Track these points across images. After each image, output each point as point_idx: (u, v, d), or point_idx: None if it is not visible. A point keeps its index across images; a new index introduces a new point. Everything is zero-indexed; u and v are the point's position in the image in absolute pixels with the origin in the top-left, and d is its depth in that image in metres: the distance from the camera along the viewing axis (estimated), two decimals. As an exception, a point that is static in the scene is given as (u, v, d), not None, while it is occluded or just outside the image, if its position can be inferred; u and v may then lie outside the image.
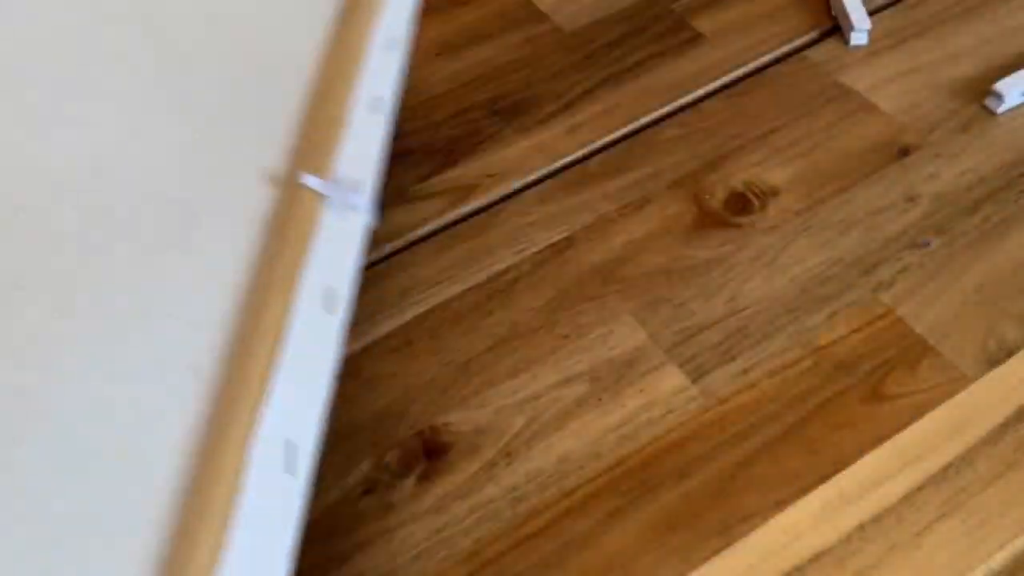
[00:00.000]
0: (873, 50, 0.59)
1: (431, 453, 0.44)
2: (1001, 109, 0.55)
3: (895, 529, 0.40)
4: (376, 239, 0.53)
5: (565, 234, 0.52)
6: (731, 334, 0.47)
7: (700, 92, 0.59)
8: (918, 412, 0.43)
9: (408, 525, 0.42)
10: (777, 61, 0.60)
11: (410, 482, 0.43)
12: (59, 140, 0.38)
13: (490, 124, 0.58)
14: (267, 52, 0.43)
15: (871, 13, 0.60)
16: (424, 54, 0.63)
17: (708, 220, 0.52)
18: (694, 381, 0.45)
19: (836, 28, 0.61)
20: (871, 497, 0.41)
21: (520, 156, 0.56)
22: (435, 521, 0.42)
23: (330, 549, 0.42)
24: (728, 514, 0.41)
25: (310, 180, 0.37)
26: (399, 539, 0.42)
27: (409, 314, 0.50)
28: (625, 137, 0.57)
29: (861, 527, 0.40)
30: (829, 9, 0.62)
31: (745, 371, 0.46)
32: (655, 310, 0.48)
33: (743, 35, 0.61)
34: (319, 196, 0.37)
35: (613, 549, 0.41)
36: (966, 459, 0.42)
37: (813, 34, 0.61)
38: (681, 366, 0.46)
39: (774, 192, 0.53)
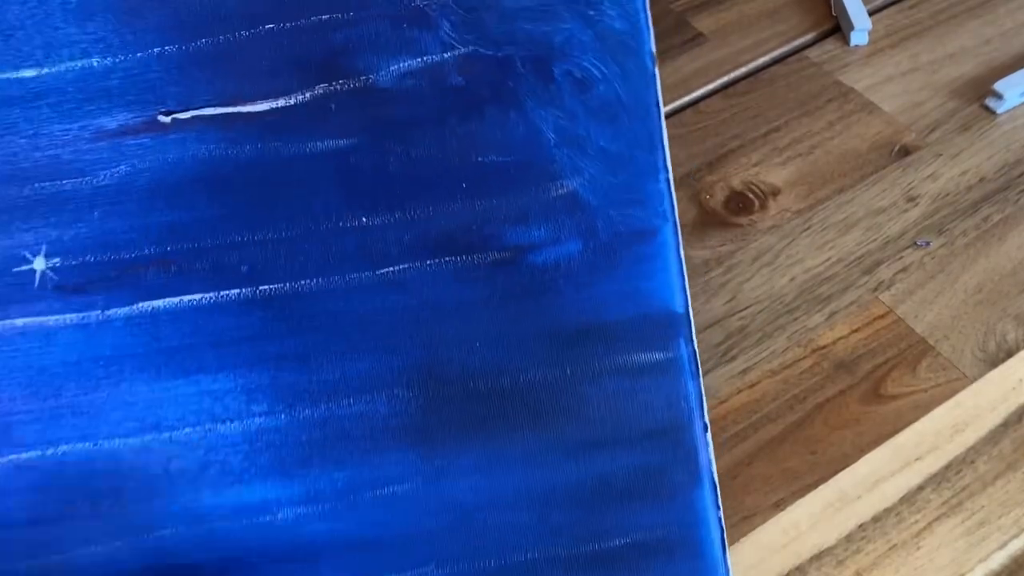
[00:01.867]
0: (873, 50, 0.59)
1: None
2: (1001, 109, 0.55)
3: (895, 529, 0.40)
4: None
5: (565, 234, 0.52)
6: (731, 334, 0.47)
7: (700, 92, 0.59)
8: (918, 412, 0.43)
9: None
10: (777, 61, 0.60)
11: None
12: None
13: (490, 123, 0.58)
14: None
15: (871, 13, 0.60)
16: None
17: (708, 220, 0.52)
18: (694, 381, 0.45)
19: (836, 28, 0.61)
20: (871, 497, 0.41)
21: (520, 155, 0.56)
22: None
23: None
24: (728, 513, 0.41)
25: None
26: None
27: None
28: (625, 137, 0.57)
29: (861, 527, 0.40)
30: (830, 9, 0.62)
31: (745, 371, 0.46)
32: (655, 310, 0.48)
33: (743, 35, 0.61)
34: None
35: (613, 549, 0.41)
36: (966, 459, 0.42)
37: (813, 34, 0.61)
38: (681, 366, 0.46)
39: (774, 192, 0.53)
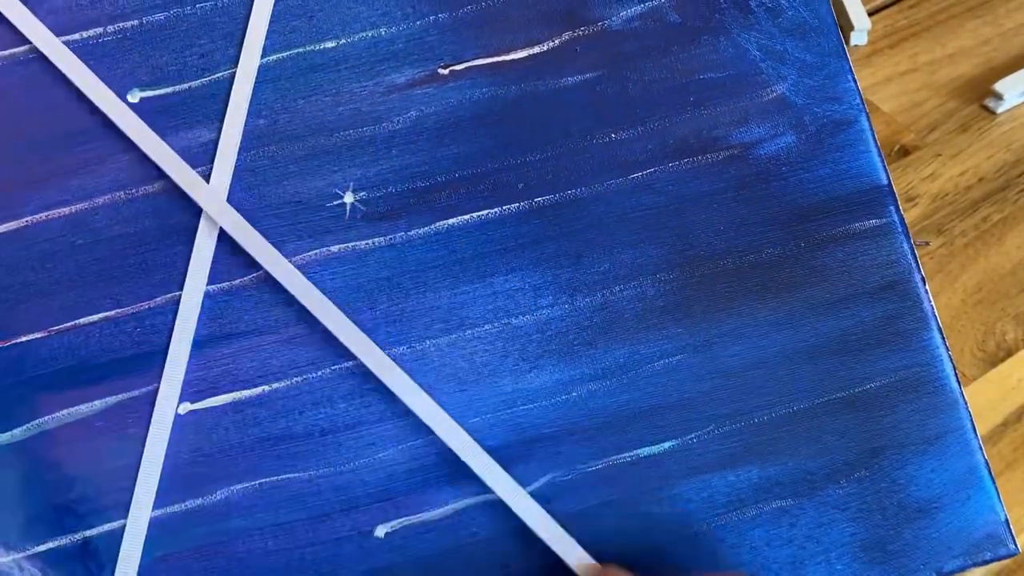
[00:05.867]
0: (873, 50, 0.59)
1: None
2: (1000, 109, 0.55)
3: (894, 528, 0.40)
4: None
5: (565, 233, 0.52)
6: (730, 333, 0.47)
7: (700, 91, 0.58)
8: (917, 411, 0.43)
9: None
10: (777, 61, 0.60)
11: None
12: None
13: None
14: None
15: (871, 13, 0.61)
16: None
17: (708, 219, 0.52)
18: (693, 380, 0.45)
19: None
20: (870, 496, 0.41)
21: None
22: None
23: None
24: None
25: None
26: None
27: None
28: (625, 136, 0.57)
29: (860, 526, 0.40)
30: (829, 9, 0.62)
31: (744, 370, 0.45)
32: (654, 309, 0.48)
33: (743, 35, 0.61)
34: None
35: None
36: (965, 458, 0.42)
37: (813, 34, 0.61)
38: (680, 365, 0.46)
39: (774, 192, 0.53)
